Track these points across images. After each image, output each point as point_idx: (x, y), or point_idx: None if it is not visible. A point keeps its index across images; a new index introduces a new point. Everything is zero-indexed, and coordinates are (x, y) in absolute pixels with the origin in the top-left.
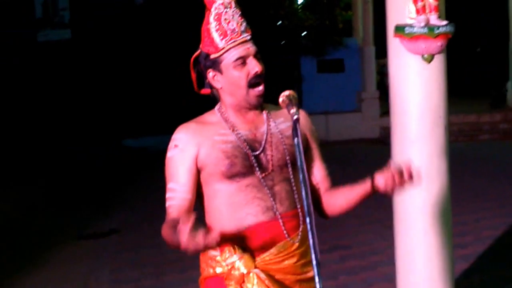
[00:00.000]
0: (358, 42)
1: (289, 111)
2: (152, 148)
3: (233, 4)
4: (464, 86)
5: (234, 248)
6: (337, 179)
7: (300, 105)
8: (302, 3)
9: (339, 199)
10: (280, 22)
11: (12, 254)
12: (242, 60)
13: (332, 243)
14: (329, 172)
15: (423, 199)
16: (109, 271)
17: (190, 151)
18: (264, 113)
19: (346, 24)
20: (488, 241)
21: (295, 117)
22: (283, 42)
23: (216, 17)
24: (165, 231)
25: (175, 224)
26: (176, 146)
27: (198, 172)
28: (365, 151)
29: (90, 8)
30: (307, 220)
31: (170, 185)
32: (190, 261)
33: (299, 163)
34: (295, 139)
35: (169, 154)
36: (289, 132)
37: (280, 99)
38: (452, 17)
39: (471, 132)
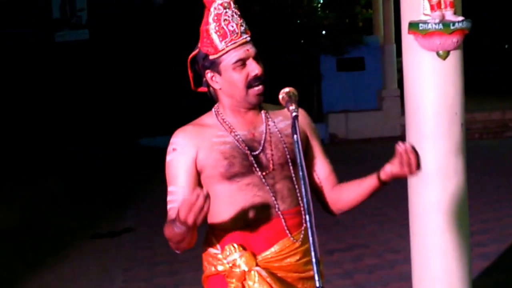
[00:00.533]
0: (379, 40)
1: (288, 108)
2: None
3: (232, 5)
4: (489, 83)
5: (234, 246)
6: (357, 177)
7: (319, 103)
8: (321, 1)
9: (347, 195)
10: (299, 21)
11: (25, 253)
12: (242, 62)
13: (349, 241)
14: (334, 168)
15: (439, 197)
16: (122, 270)
17: (189, 154)
18: (263, 112)
19: (367, 22)
20: (511, 240)
21: (294, 114)
22: (302, 41)
23: (215, 18)
24: (166, 229)
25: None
26: (174, 149)
27: (198, 174)
28: (385, 150)
29: (108, 8)
30: (307, 218)
31: (170, 188)
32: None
33: (298, 160)
34: (294, 136)
35: (168, 158)
36: (288, 131)
37: (280, 96)
38: (478, 13)
39: (496, 129)
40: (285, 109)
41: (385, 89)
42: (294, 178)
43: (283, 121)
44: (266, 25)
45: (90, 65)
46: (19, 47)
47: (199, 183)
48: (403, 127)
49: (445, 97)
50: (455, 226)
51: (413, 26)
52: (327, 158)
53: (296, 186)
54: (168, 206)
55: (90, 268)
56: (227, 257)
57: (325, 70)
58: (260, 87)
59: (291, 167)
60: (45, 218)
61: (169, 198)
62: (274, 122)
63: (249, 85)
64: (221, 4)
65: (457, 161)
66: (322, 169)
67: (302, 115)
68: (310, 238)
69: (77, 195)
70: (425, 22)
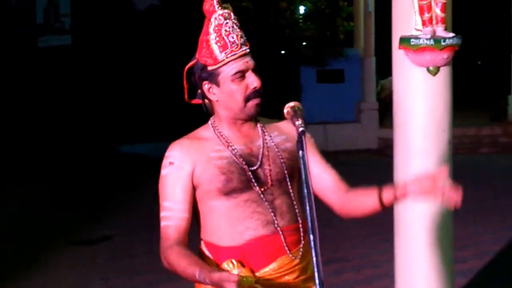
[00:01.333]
0: (359, 53)
1: (294, 123)
2: (148, 155)
3: (232, 16)
4: (464, 98)
5: (233, 263)
6: None
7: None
8: (303, 13)
9: (362, 204)
10: (281, 32)
11: (0, 260)
12: (241, 74)
13: (329, 255)
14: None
15: (425, 212)
16: (100, 280)
17: (186, 168)
18: (259, 126)
19: (348, 34)
20: (488, 256)
21: (301, 129)
22: (283, 51)
23: (216, 28)
24: (174, 258)
25: (198, 267)
26: (171, 163)
27: (194, 189)
28: (363, 162)
29: (91, 14)
30: (311, 237)
31: (165, 204)
32: None
33: (303, 176)
34: (300, 152)
35: (164, 172)
36: (284, 146)
37: (285, 110)
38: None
39: (471, 145)
40: (280, 123)
41: (364, 102)
42: (292, 194)
43: (279, 135)
44: (249, 35)
45: (72, 70)
46: (2, 51)
47: (194, 199)
48: (380, 139)
49: (434, 114)
50: (440, 241)
51: (405, 41)
52: (331, 167)
53: (295, 203)
54: (163, 223)
55: (67, 277)
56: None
57: (305, 81)
58: (259, 99)
59: (289, 183)
60: (20, 224)
61: (163, 214)
62: (270, 136)
63: (248, 98)
64: (222, 15)
65: None
66: (329, 177)
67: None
68: (314, 259)
69: (53, 201)
70: (416, 38)
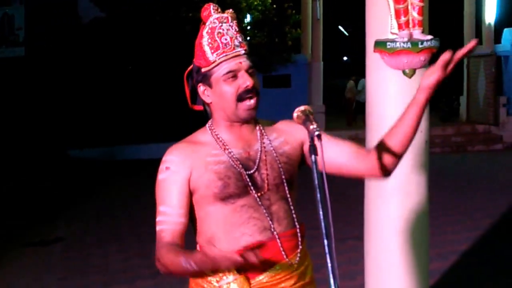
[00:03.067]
0: (307, 58)
1: (307, 128)
2: (98, 159)
3: (229, 19)
4: None
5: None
6: None
7: None
8: (249, 22)
9: (394, 140)
10: None
11: None
12: (233, 74)
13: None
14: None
15: (399, 214)
16: (57, 279)
17: (183, 173)
18: (258, 129)
19: (296, 41)
20: (453, 257)
21: (317, 132)
22: None
23: (209, 31)
24: (164, 257)
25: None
26: (168, 168)
27: (191, 194)
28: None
29: (43, 28)
30: (325, 242)
31: (161, 208)
32: (138, 271)
33: (316, 181)
34: (312, 157)
35: (161, 176)
36: (282, 149)
37: (295, 114)
38: None
39: None
40: (279, 123)
41: (311, 105)
42: (290, 199)
43: (278, 138)
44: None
45: (25, 80)
46: None
47: (190, 204)
48: None
49: None
50: (414, 243)
51: (380, 44)
52: (344, 140)
53: (292, 207)
54: (158, 228)
55: (24, 277)
56: (220, 280)
57: None
58: (252, 102)
59: (286, 188)
60: None
61: (159, 218)
62: (269, 140)
63: (240, 98)
64: (218, 19)
65: (420, 178)
66: (347, 149)
67: (294, 123)
68: (329, 264)
69: (4, 205)
70: (393, 41)
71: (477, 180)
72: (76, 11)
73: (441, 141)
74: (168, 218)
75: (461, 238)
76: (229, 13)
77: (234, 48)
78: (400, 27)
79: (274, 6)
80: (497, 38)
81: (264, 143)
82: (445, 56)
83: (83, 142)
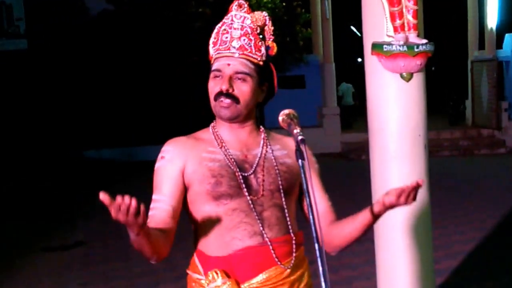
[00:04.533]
0: (319, 59)
1: (291, 131)
2: (116, 160)
3: (247, 20)
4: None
5: (217, 272)
6: None
7: (262, 119)
8: None
9: (342, 231)
10: None
11: None
12: (218, 73)
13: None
14: (332, 204)
15: (404, 217)
16: (78, 284)
17: (176, 163)
18: (262, 137)
19: (307, 41)
20: (460, 256)
21: (300, 137)
22: None
23: (220, 26)
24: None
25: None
26: (162, 157)
27: (185, 188)
28: (327, 165)
29: (46, 18)
30: (316, 246)
31: (154, 196)
32: (161, 275)
33: (305, 186)
34: (299, 161)
35: (156, 165)
36: (283, 160)
37: (280, 118)
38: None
39: (432, 148)
40: (286, 138)
41: (325, 107)
42: (285, 207)
43: (281, 150)
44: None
45: (29, 74)
46: None
47: (187, 205)
48: (343, 144)
49: (408, 119)
50: (419, 243)
51: (377, 47)
52: (325, 194)
53: (287, 215)
54: (149, 214)
55: (44, 283)
56: (209, 282)
57: None
58: (226, 101)
59: (282, 196)
60: None
61: (151, 205)
62: (272, 149)
63: (215, 98)
64: (235, 16)
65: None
66: (319, 204)
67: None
68: (321, 269)
69: (24, 208)
70: (389, 44)
71: (483, 183)
72: (83, 2)
73: (449, 145)
74: (158, 205)
75: (467, 238)
76: (254, 15)
77: (229, 48)
78: (395, 30)
79: (284, 4)
80: (499, 43)
81: (265, 150)
82: (404, 188)
83: (100, 143)
